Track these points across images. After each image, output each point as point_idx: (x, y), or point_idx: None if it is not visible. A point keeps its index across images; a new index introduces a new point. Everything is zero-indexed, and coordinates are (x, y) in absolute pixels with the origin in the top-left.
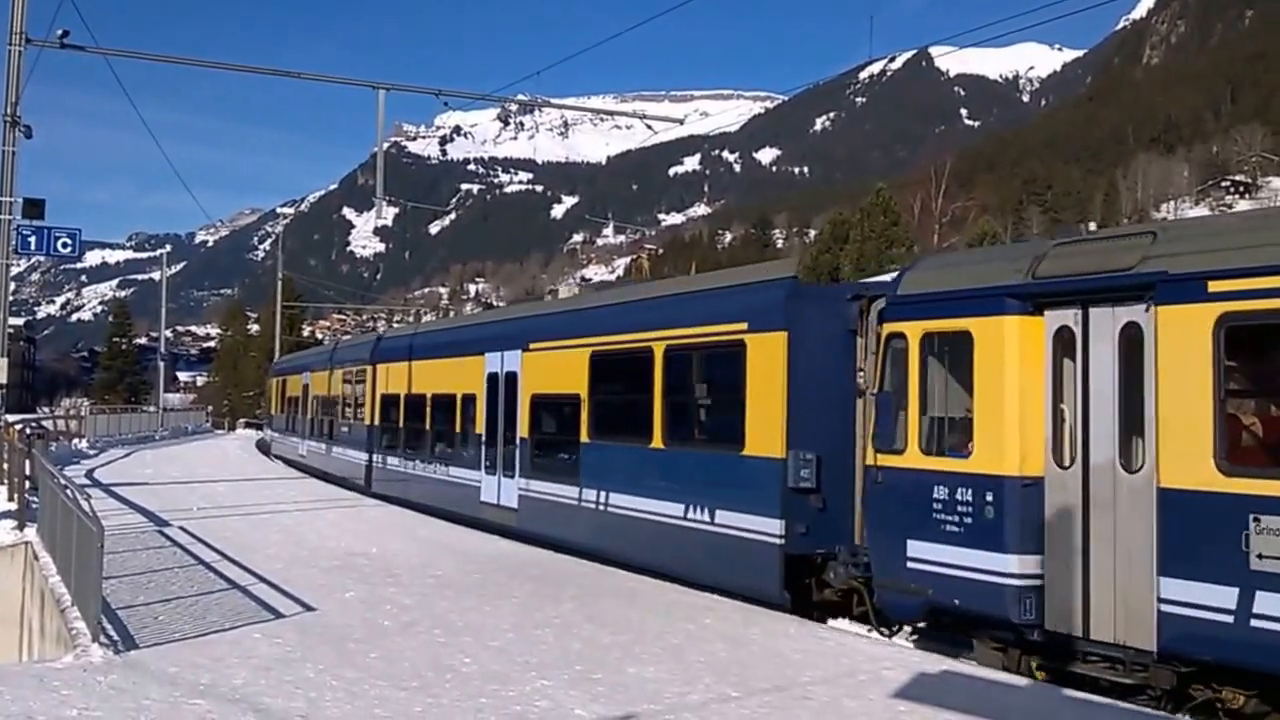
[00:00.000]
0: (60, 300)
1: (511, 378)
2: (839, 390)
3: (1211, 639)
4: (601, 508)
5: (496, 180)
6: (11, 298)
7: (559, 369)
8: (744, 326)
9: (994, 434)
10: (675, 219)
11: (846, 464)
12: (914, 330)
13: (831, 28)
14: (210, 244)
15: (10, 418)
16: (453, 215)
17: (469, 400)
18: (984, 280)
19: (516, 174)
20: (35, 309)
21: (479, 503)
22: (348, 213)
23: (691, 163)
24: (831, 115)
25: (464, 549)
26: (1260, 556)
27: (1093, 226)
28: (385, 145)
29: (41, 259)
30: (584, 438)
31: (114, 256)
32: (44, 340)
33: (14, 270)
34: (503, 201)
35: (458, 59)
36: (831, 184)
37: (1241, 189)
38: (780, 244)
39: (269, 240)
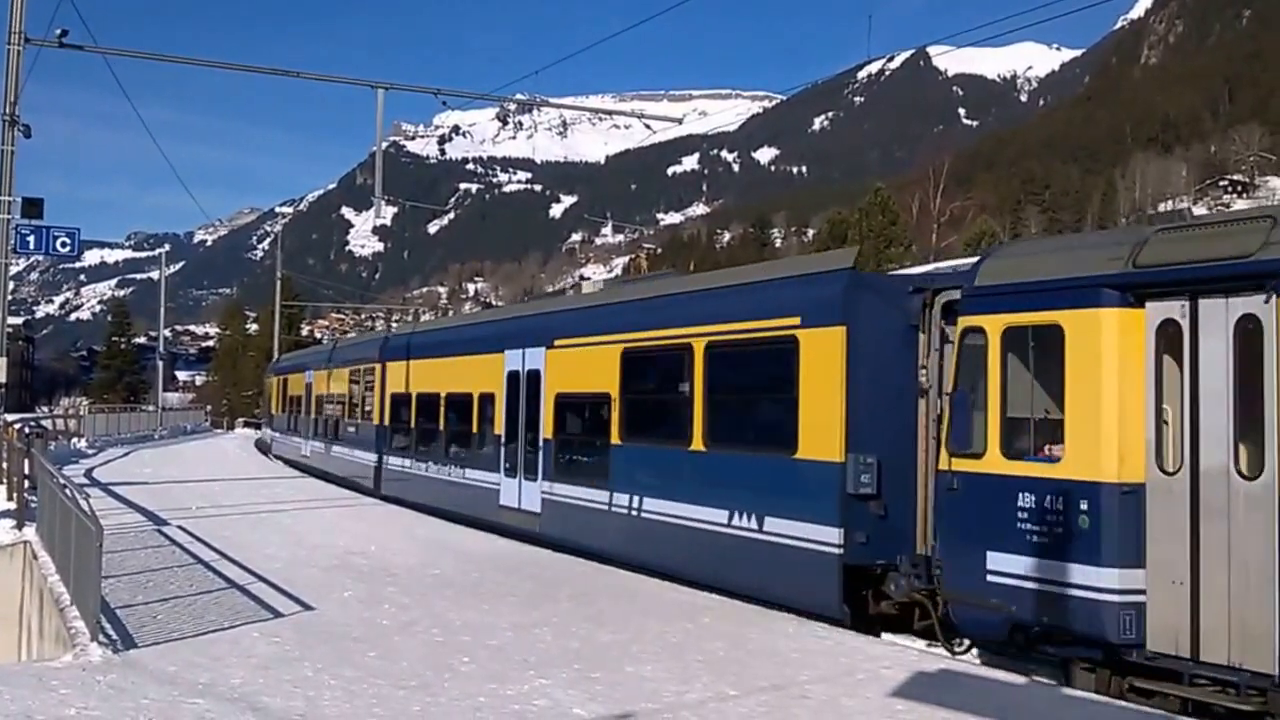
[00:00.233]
0: (59, 299)
1: (534, 376)
2: (899, 389)
3: None
4: (634, 513)
5: (495, 180)
6: (10, 297)
7: (587, 367)
8: (797, 321)
9: (1089, 436)
10: (674, 218)
11: (907, 468)
12: (994, 324)
13: (830, 27)
14: (209, 243)
15: (9, 417)
16: (451, 215)
17: (487, 400)
18: (1077, 269)
19: (515, 173)
20: (34, 308)
21: (498, 506)
22: (346, 212)
23: (690, 162)
24: (830, 115)
25: (463, 548)
26: None
27: (1197, 210)
28: (384, 145)
29: (40, 258)
30: (615, 439)
31: (113, 256)
32: (43, 340)
33: (13, 269)
34: (501, 201)
35: (457, 58)
36: (830, 183)
37: (1240, 188)
38: (779, 243)
39: (268, 240)
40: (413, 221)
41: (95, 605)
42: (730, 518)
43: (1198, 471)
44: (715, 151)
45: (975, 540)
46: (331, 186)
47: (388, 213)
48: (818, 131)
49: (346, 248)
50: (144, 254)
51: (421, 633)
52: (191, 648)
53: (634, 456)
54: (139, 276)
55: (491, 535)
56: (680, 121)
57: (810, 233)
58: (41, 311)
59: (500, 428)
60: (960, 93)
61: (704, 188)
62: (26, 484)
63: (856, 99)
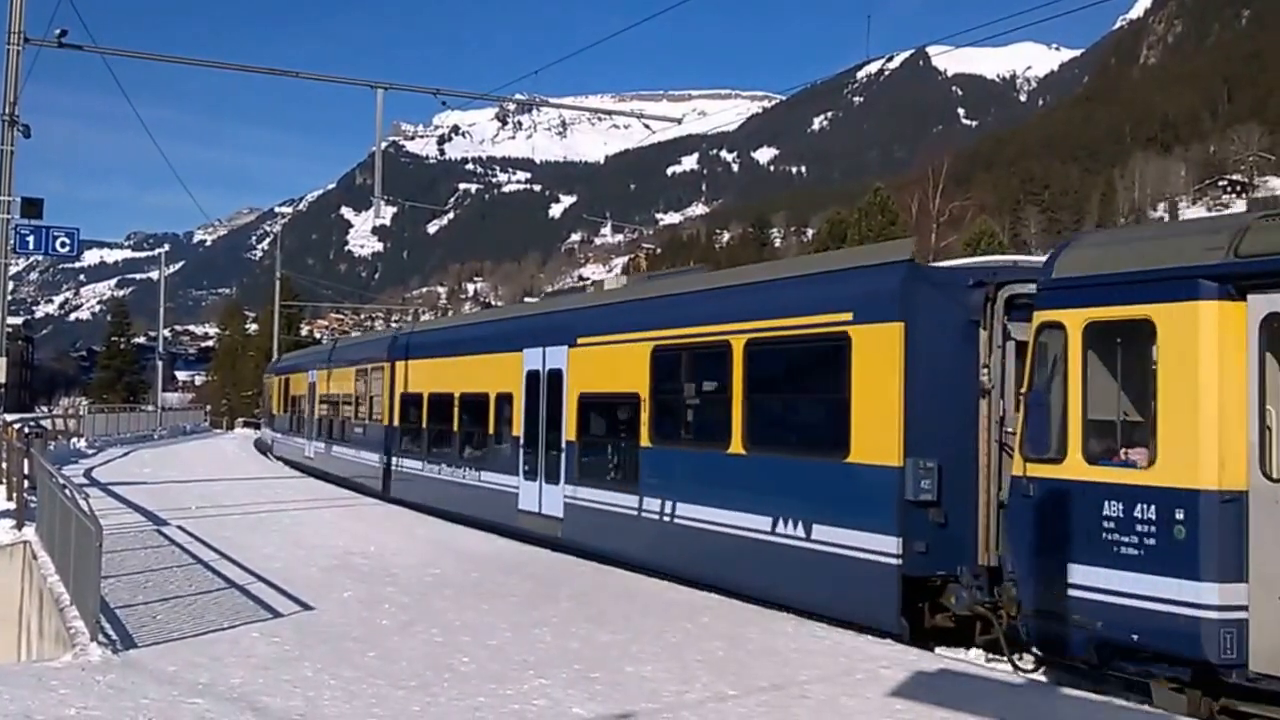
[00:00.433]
0: (59, 299)
1: (556, 375)
2: (959, 389)
3: None
4: (666, 519)
5: (494, 180)
6: (10, 297)
7: (614, 366)
8: (848, 317)
9: (1184, 440)
10: (673, 218)
11: (968, 473)
12: (1074, 319)
13: (829, 27)
14: (208, 243)
15: (9, 417)
16: (451, 215)
17: (504, 400)
18: (1170, 259)
19: (514, 173)
20: (34, 308)
21: (516, 511)
22: (346, 212)
23: (689, 162)
24: (829, 115)
25: (462, 548)
26: None
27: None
28: (383, 145)
29: (40, 258)
30: (644, 441)
31: (112, 256)
32: (42, 339)
33: (12, 269)
34: (501, 201)
35: (456, 58)
36: (829, 183)
37: (1239, 188)
38: (778, 243)
39: (267, 240)
40: (412, 221)
41: (95, 605)
42: (774, 525)
43: None
44: (714, 151)
45: (1054, 552)
46: (331, 186)
47: (387, 213)
48: (817, 131)
49: (346, 248)
50: (143, 254)
51: (421, 633)
52: (191, 648)
53: (666, 460)
54: (138, 276)
55: (490, 535)
56: (679, 121)
57: (810, 233)
58: (41, 311)
59: (519, 429)
60: (959, 93)
61: (703, 188)
62: (26, 484)
63: (856, 99)
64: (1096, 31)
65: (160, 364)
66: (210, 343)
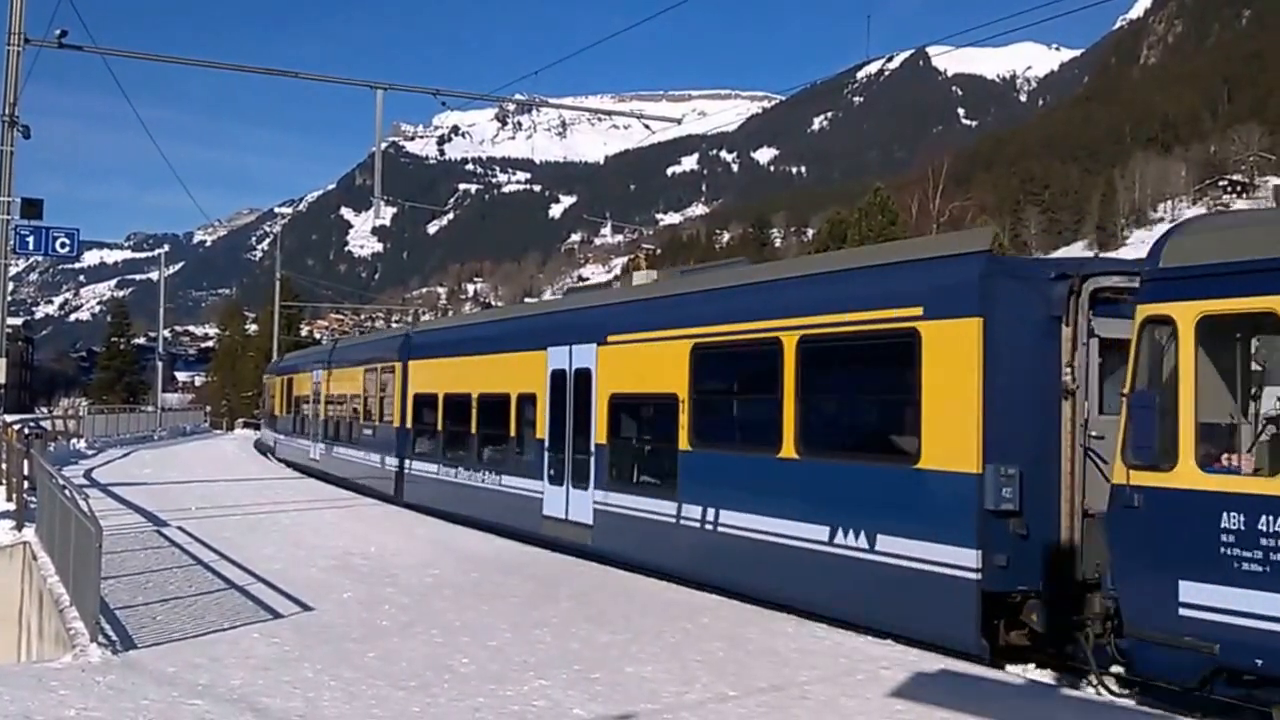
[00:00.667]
0: (58, 300)
1: (584, 375)
2: (1040, 390)
3: None
4: (708, 527)
5: (494, 180)
6: (10, 298)
7: (649, 365)
8: (918, 312)
9: None
10: (673, 219)
11: (1049, 481)
12: (1186, 313)
13: (829, 28)
14: (208, 244)
15: (9, 418)
16: (450, 215)
17: (527, 401)
18: None
19: (514, 174)
20: (33, 309)
21: (541, 517)
22: (346, 213)
23: (689, 162)
24: (829, 115)
25: (462, 548)
26: None
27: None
28: (383, 145)
29: (40, 259)
30: (683, 445)
31: (112, 256)
32: (42, 340)
33: (12, 270)
34: (500, 201)
35: (456, 59)
36: (829, 184)
37: (1239, 188)
38: (778, 244)
39: (267, 240)
40: (412, 222)
41: (95, 606)
42: (831, 535)
43: None
44: (714, 152)
45: (1163, 568)
46: (331, 187)
47: (387, 213)
48: (817, 132)
49: (346, 248)
50: (143, 254)
51: (421, 633)
52: (191, 648)
53: (707, 464)
54: (138, 277)
55: (489, 536)
56: (679, 122)
57: (810, 233)
58: (41, 312)
59: (543, 431)
60: (959, 93)
61: (703, 188)
62: (26, 485)
63: (856, 99)
64: (1096, 31)
65: (160, 365)
66: (210, 343)
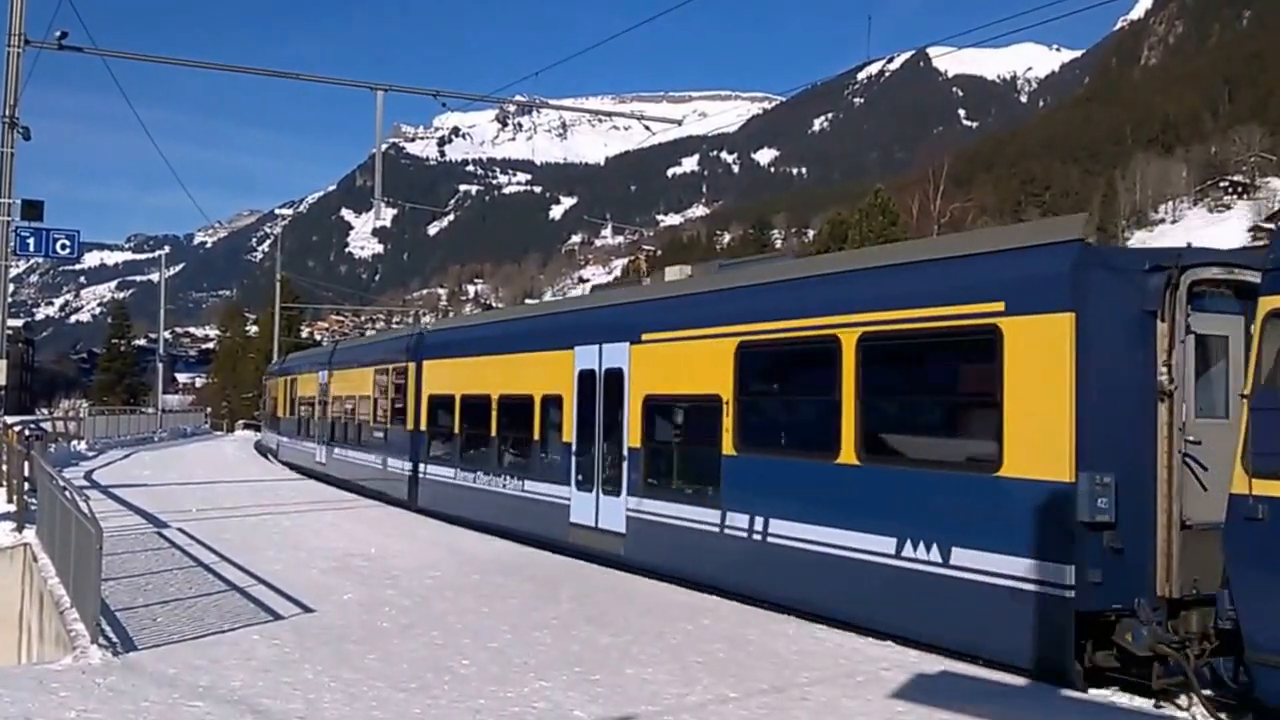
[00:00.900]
0: (59, 302)
1: (615, 375)
2: (1134, 391)
3: None
4: (756, 537)
5: (495, 181)
6: (10, 299)
7: (689, 364)
8: (999, 307)
9: None
10: (673, 220)
11: (1145, 489)
12: None
13: (829, 28)
14: (209, 245)
15: (9, 419)
16: (451, 216)
17: (552, 402)
18: None
19: (515, 175)
20: (34, 310)
21: (568, 524)
22: (346, 214)
23: (690, 163)
24: (829, 116)
25: (462, 550)
26: None
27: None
28: (384, 146)
29: (40, 260)
30: (727, 449)
31: (112, 258)
32: (43, 342)
33: (13, 272)
34: (501, 202)
35: (456, 60)
36: (829, 185)
37: (1240, 189)
38: (779, 245)
39: (267, 241)
40: (412, 223)
41: (95, 608)
42: (899, 547)
43: None
44: (715, 153)
45: None
46: (331, 188)
47: (387, 214)
48: (817, 133)
49: (346, 249)
50: (144, 256)
51: (421, 635)
52: (191, 650)
53: (754, 470)
54: (139, 278)
55: (489, 537)
56: (680, 123)
57: (810, 234)
58: (41, 313)
59: (570, 434)
60: (960, 94)
61: (704, 189)
62: (26, 486)
63: (856, 100)
64: (1097, 32)
65: (160, 366)
66: (210, 345)
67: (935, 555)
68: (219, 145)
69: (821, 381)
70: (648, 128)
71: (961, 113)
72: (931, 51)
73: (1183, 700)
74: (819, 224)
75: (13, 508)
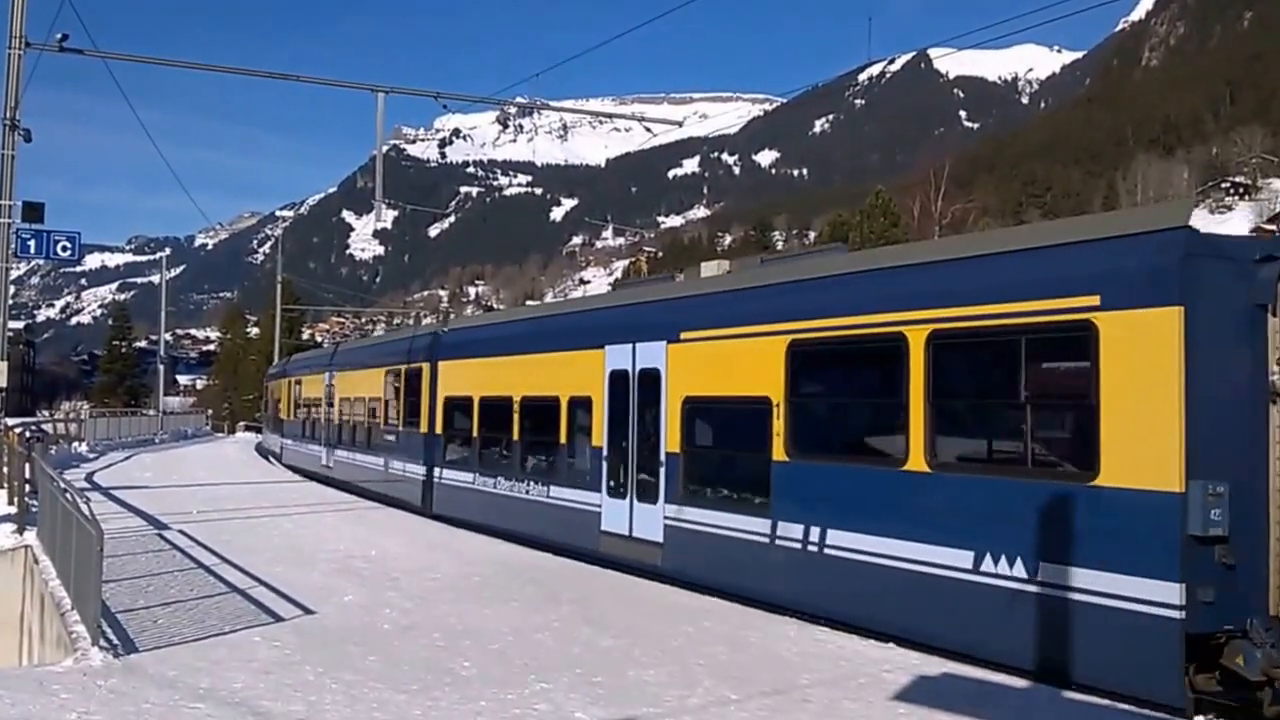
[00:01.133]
0: (60, 303)
1: (651, 376)
2: (1245, 393)
3: None
4: (812, 548)
5: (495, 183)
6: (11, 301)
7: (733, 364)
8: (1094, 301)
9: None
10: (674, 221)
11: (1257, 499)
12: None
13: (830, 30)
14: (210, 247)
15: (10, 421)
16: (452, 218)
17: (581, 405)
18: None
19: (515, 176)
20: (35, 312)
21: (598, 533)
22: (347, 215)
23: (690, 165)
24: (830, 117)
25: (463, 551)
26: None
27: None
28: (384, 148)
29: (41, 262)
30: (777, 454)
31: (113, 260)
32: (44, 343)
33: (13, 274)
34: (502, 204)
35: (457, 61)
36: (830, 186)
37: (1242, 190)
38: (780, 246)
39: (268, 243)
40: (413, 225)
41: (96, 610)
42: (977, 561)
43: None
44: (716, 154)
45: None
46: (332, 190)
47: (388, 216)
48: (818, 134)
49: (347, 251)
50: (145, 258)
51: (422, 637)
52: (192, 652)
53: (809, 476)
54: (140, 280)
55: (490, 539)
56: (681, 124)
57: (811, 235)
58: (42, 315)
59: (600, 438)
60: (961, 95)
61: (705, 190)
62: (27, 488)
63: (857, 101)
64: (1098, 33)
65: (161, 368)
66: (211, 346)
67: (1019, 571)
68: (220, 147)
69: (885, 382)
70: (648, 129)
71: (962, 114)
72: (932, 53)
73: None
74: (820, 225)
75: (14, 510)
